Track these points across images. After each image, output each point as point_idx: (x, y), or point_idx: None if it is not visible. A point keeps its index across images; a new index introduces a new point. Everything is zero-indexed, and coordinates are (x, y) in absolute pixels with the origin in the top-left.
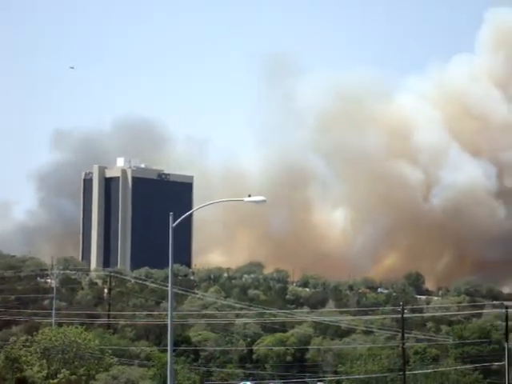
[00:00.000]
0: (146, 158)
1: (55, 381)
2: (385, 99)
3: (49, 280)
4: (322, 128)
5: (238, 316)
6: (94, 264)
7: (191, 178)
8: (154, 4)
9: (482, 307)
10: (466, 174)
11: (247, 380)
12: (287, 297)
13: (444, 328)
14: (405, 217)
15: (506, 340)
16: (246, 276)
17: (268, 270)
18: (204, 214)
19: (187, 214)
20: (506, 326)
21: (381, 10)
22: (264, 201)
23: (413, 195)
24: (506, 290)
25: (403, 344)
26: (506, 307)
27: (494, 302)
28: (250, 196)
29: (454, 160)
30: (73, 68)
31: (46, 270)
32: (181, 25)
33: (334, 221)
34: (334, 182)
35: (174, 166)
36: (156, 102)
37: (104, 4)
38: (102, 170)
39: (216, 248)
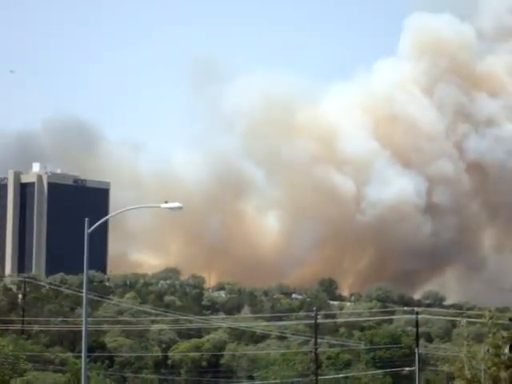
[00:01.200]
0: (76, 162)
1: None
2: (313, 105)
3: None
4: (252, 134)
5: (153, 322)
6: (8, 269)
7: (108, 183)
8: (89, 3)
9: (393, 313)
10: (394, 187)
11: None
12: (203, 303)
13: (356, 333)
14: (334, 226)
15: (417, 345)
16: (162, 282)
17: (191, 277)
18: (136, 219)
19: (102, 220)
20: (417, 331)
21: (305, 15)
22: (180, 207)
23: (342, 205)
24: (417, 296)
25: (316, 349)
26: (417, 313)
27: (405, 308)
28: (166, 202)
29: (382, 171)
30: (13, 72)
31: None
32: (114, 28)
33: (266, 228)
34: (267, 188)
35: (103, 170)
36: (89, 103)
37: (32, 4)
38: (17, 175)
39: (146, 253)
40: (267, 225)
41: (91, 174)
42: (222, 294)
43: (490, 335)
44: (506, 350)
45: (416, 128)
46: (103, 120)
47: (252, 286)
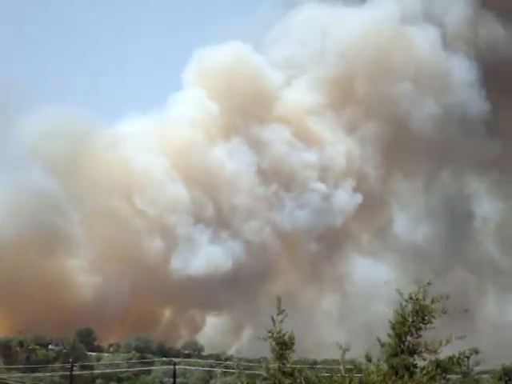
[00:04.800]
0: None
1: None
2: (110, 145)
3: None
4: (53, 172)
5: None
6: None
7: None
8: None
9: (151, 363)
10: (202, 254)
11: None
12: None
13: None
14: (137, 288)
15: None
16: None
17: None
18: None
19: None
20: (174, 382)
21: (100, 45)
22: None
23: (148, 266)
24: (178, 345)
25: None
26: (175, 363)
27: (164, 359)
28: None
29: (190, 233)
30: None
31: None
32: None
33: (71, 283)
34: (75, 240)
35: None
36: None
37: None
38: None
39: None
40: (74, 280)
41: None
42: None
43: None
44: None
45: (221, 181)
46: None
47: (5, 336)
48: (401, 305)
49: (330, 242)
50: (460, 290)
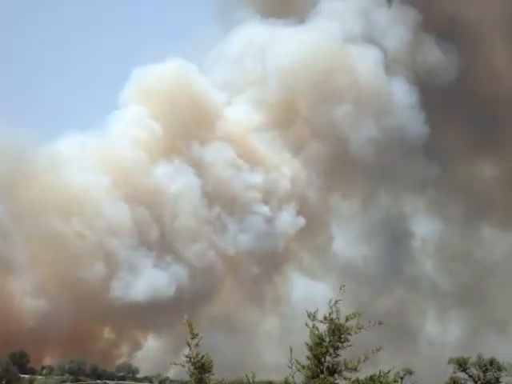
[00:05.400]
0: None
1: None
2: (48, 165)
3: None
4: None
5: None
6: None
7: None
8: None
9: None
10: (145, 278)
11: None
12: None
13: None
14: (78, 311)
15: None
16: None
17: None
18: None
19: None
20: None
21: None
22: None
23: (90, 292)
24: (111, 368)
25: None
26: None
27: (98, 382)
28: None
29: (133, 257)
30: None
31: None
32: None
33: (13, 296)
34: (14, 253)
35: None
36: None
37: None
38: None
39: None
40: (14, 303)
41: None
42: None
43: None
44: None
45: (164, 202)
46: None
47: None
48: (315, 326)
49: (271, 264)
50: (399, 309)
